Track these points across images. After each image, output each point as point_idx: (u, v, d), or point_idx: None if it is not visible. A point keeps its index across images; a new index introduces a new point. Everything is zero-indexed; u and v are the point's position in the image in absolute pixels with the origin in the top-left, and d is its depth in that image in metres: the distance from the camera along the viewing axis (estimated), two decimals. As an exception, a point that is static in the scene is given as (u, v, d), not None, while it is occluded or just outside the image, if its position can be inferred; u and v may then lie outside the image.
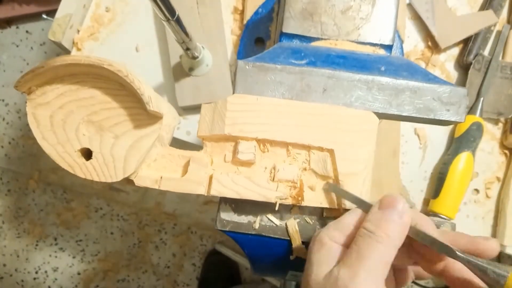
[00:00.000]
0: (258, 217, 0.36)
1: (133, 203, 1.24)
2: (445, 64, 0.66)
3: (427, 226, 0.29)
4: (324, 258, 0.28)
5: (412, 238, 0.28)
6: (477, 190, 0.64)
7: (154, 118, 0.34)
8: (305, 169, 0.35)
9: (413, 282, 0.83)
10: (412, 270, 0.34)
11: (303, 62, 0.39)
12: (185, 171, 0.36)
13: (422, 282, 1.07)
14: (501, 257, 0.81)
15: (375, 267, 0.26)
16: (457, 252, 0.27)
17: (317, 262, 0.28)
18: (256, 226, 0.36)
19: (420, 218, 0.29)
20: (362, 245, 0.27)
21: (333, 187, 0.34)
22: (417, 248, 0.30)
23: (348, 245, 0.28)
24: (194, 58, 0.56)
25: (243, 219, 0.36)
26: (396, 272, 0.33)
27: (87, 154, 0.34)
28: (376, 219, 0.28)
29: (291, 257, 0.36)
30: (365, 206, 0.30)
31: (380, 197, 0.30)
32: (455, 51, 0.67)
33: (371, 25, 0.42)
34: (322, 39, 0.42)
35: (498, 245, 0.30)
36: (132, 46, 0.64)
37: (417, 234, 0.28)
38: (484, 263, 0.26)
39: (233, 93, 0.37)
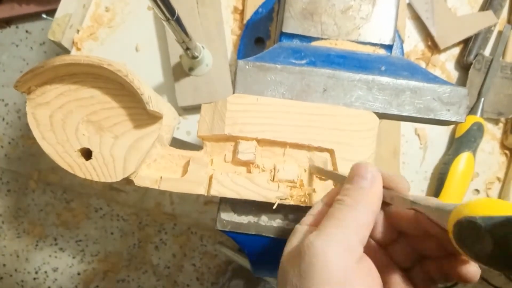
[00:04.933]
0: (258, 217, 0.36)
1: (133, 203, 1.24)
2: (445, 64, 0.66)
3: (402, 186, 0.28)
4: (293, 238, 0.28)
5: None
6: (477, 191, 0.64)
7: (154, 118, 0.34)
8: (305, 169, 0.35)
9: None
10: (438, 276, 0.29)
11: (303, 62, 0.38)
12: (185, 171, 0.35)
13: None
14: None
15: (347, 227, 0.25)
16: (413, 200, 0.26)
17: (288, 242, 0.28)
18: (256, 226, 0.36)
19: (393, 180, 0.28)
20: (333, 211, 0.27)
21: (315, 168, 0.34)
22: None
23: (317, 223, 0.28)
24: (194, 58, 0.56)
25: (243, 219, 0.36)
26: (415, 278, 0.29)
27: (87, 154, 0.34)
28: (346, 189, 0.28)
29: None
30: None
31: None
32: (456, 51, 0.67)
33: (371, 25, 0.42)
34: (322, 38, 0.42)
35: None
36: (132, 46, 0.64)
37: (392, 199, 0.28)
38: (434, 204, 0.24)
39: (233, 93, 0.36)
